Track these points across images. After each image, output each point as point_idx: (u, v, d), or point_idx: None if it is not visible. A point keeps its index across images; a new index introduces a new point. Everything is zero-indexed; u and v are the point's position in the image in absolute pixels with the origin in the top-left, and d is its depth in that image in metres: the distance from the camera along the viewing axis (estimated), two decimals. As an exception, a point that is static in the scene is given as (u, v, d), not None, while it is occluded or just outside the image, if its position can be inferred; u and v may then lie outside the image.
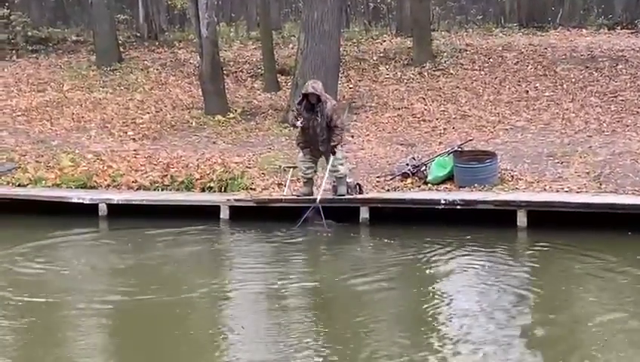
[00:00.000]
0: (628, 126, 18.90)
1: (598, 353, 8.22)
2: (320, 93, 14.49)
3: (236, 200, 15.37)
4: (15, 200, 16.42)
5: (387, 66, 24.79)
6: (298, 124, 14.64)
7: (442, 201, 14.41)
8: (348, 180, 15.07)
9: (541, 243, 12.98)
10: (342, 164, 14.97)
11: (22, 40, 28.86)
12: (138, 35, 30.75)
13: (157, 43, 29.56)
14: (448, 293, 10.72)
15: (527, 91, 22.03)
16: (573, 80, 22.41)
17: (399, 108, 21.51)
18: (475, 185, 15.38)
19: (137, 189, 16.73)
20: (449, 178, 15.80)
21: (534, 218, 13.74)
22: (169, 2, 34.41)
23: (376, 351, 8.47)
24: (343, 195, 14.91)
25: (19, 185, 17.26)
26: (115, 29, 28.18)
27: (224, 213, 15.16)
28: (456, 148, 16.56)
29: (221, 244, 13.93)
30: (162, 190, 16.61)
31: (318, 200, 14.48)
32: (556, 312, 9.62)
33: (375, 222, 14.46)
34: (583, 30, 29.07)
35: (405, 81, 23.61)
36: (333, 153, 14.76)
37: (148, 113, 22.17)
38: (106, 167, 17.67)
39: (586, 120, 19.67)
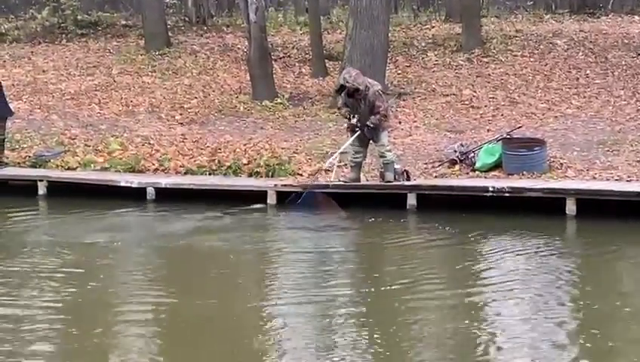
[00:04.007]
0: (680, 114, 18.67)
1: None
2: (352, 85, 14.42)
3: (283, 185, 15.37)
4: (64, 183, 16.59)
5: (436, 52, 24.60)
6: (353, 121, 14.72)
7: (490, 188, 14.31)
8: (395, 166, 15.00)
9: (590, 232, 12.87)
10: (389, 151, 14.93)
11: (71, 24, 28.97)
12: (186, 19, 30.76)
13: (205, 28, 29.57)
14: (497, 280, 10.62)
15: (578, 78, 21.79)
16: (625, 67, 22.12)
17: (448, 95, 21.37)
18: (524, 172, 15.25)
19: (185, 173, 16.80)
20: (497, 165, 15.69)
21: (583, 206, 13.58)
22: (217, -13, 34.47)
23: (419, 332, 8.49)
24: (391, 181, 14.86)
25: (68, 169, 17.40)
26: (163, 14, 28.25)
27: (271, 199, 15.17)
28: (505, 135, 16.44)
29: (268, 231, 13.93)
30: (209, 174, 16.65)
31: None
32: (606, 299, 9.55)
33: (422, 209, 14.38)
34: (636, 16, 28.64)
35: (454, 67, 23.44)
36: (368, 129, 14.61)
37: (196, 98, 22.23)
38: (153, 151, 17.77)
39: (637, 107, 19.43)
